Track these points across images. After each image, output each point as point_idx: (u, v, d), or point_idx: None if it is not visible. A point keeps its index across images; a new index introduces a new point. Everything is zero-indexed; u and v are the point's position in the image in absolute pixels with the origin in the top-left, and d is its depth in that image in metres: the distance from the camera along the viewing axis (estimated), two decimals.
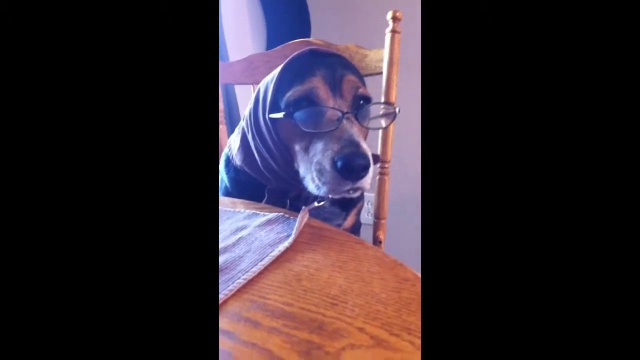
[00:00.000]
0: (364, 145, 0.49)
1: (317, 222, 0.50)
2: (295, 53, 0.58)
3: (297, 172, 0.55)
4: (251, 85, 1.07)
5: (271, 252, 0.42)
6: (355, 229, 0.77)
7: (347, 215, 0.71)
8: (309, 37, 1.32)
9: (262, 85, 0.59)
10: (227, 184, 0.68)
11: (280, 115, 0.53)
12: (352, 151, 0.47)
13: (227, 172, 0.68)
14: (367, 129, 0.59)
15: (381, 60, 0.89)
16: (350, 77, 0.56)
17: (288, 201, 0.61)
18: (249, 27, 1.29)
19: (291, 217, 0.50)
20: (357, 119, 0.54)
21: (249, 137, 0.59)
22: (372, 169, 0.50)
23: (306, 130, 0.51)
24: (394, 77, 0.89)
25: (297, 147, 0.54)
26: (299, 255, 0.42)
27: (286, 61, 0.57)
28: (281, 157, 0.57)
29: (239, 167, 0.63)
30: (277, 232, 0.46)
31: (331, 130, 0.50)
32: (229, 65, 1.09)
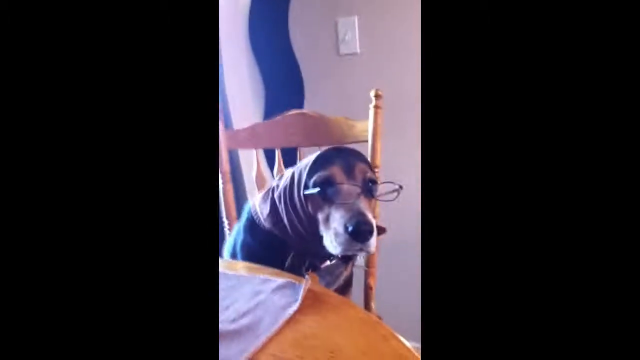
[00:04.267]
0: (370, 215, 0.66)
1: (317, 287, 0.65)
2: (322, 150, 0.77)
3: (320, 237, 0.72)
4: (254, 150, 1.22)
5: (283, 314, 0.56)
6: (350, 274, 0.95)
7: (347, 265, 0.89)
8: (302, 106, 1.50)
9: (296, 170, 0.78)
10: (253, 245, 0.83)
11: (314, 191, 0.71)
12: (359, 219, 0.63)
13: (253, 236, 0.83)
14: (378, 200, 0.78)
15: (367, 130, 1.07)
16: (361, 165, 0.75)
17: (305, 264, 0.77)
18: (250, 96, 1.47)
19: (296, 283, 0.64)
20: (365, 196, 0.71)
21: (281, 207, 0.77)
22: (375, 235, 0.66)
23: (329, 202, 0.69)
24: (377, 145, 1.07)
25: (320, 217, 0.71)
26: (303, 316, 0.56)
27: (317, 154, 0.76)
28: (309, 225, 0.74)
29: (266, 230, 0.80)
30: (288, 297, 0.60)
31: (346, 204, 0.67)
32: (234, 132, 1.24)
